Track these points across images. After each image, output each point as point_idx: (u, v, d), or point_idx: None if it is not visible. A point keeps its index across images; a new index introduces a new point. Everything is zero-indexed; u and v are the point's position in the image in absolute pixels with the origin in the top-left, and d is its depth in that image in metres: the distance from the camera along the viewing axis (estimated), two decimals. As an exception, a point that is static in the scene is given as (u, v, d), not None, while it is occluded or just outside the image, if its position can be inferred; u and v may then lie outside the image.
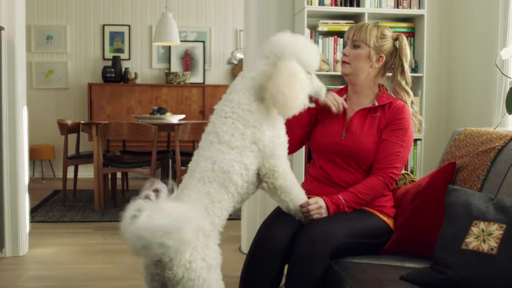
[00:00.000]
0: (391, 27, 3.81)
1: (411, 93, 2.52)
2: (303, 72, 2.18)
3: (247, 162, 2.10)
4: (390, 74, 2.57)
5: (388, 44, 2.48)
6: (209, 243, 2.01)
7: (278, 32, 2.28)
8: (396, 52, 2.50)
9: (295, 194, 2.23)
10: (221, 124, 2.13)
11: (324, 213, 2.27)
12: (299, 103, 2.14)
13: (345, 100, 2.54)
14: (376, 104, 2.46)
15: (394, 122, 2.41)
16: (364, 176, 2.40)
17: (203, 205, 2.03)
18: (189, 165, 2.18)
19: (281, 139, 2.21)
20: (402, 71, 2.50)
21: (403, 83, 2.50)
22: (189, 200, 2.04)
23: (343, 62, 2.51)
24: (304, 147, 3.66)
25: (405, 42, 2.51)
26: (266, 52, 2.22)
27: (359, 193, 2.33)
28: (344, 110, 2.50)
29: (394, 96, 2.52)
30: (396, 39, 2.51)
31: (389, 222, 2.42)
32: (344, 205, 2.30)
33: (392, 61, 2.51)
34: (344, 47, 3.75)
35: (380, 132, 2.42)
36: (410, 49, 3.84)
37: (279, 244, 2.21)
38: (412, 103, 2.51)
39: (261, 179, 2.21)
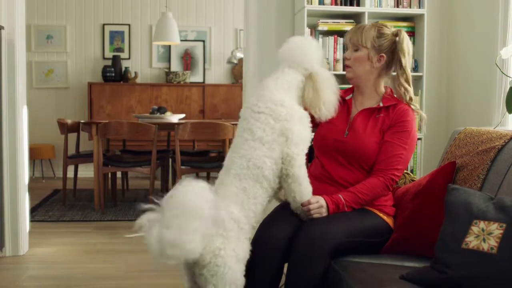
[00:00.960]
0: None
1: (410, 89, 2.46)
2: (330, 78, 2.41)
3: (275, 157, 2.20)
4: (395, 73, 2.54)
5: (387, 42, 2.46)
6: (241, 236, 2.09)
7: (288, 37, 2.51)
8: (394, 49, 2.47)
9: (304, 186, 2.27)
10: (254, 120, 2.24)
11: (324, 212, 2.27)
12: (335, 105, 2.39)
13: (350, 100, 2.54)
14: (381, 105, 2.46)
15: (398, 124, 2.40)
16: (365, 176, 2.40)
17: (239, 201, 2.13)
18: (224, 162, 2.29)
19: (307, 135, 2.32)
20: (401, 67, 2.46)
21: (402, 79, 2.45)
22: (225, 196, 2.14)
23: (346, 66, 2.53)
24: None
25: (403, 36, 2.46)
26: (291, 63, 2.39)
27: (359, 193, 2.33)
28: (349, 109, 2.51)
29: (395, 95, 2.52)
30: (396, 35, 2.48)
31: (389, 221, 2.42)
32: (344, 204, 2.30)
33: (393, 57, 2.49)
34: (344, 48, 3.78)
35: (382, 133, 2.41)
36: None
37: (278, 243, 2.21)
38: (410, 99, 2.46)
39: None
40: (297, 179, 2.25)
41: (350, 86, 2.62)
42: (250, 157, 2.18)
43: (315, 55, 2.41)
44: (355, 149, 2.39)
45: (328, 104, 2.38)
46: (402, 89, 2.46)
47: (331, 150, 2.45)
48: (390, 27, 2.51)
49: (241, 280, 2.06)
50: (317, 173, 2.49)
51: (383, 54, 2.45)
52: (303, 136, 2.28)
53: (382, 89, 2.52)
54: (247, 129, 2.24)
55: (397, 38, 2.48)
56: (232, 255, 2.03)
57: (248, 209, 2.15)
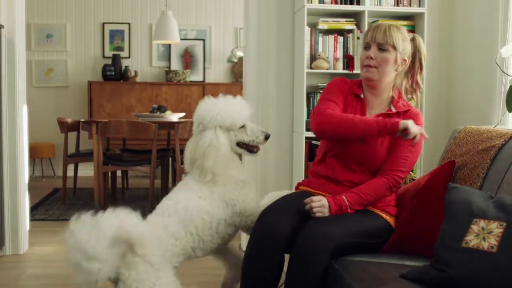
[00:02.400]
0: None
1: (422, 85, 2.58)
2: (219, 138, 2.37)
3: (210, 210, 2.27)
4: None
5: (409, 46, 2.47)
6: (160, 274, 2.08)
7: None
8: (415, 53, 2.49)
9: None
10: (191, 182, 2.39)
11: (326, 212, 2.27)
12: (219, 168, 2.34)
13: (364, 99, 2.52)
14: (394, 110, 2.46)
15: None
16: (371, 178, 2.41)
17: (156, 237, 2.14)
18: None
19: (250, 195, 2.42)
20: (421, 71, 2.53)
21: (419, 78, 2.55)
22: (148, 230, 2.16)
23: (368, 66, 2.43)
24: (304, 144, 3.66)
25: (421, 41, 2.51)
26: (197, 124, 2.50)
27: (362, 194, 2.33)
28: (362, 110, 2.49)
29: (403, 95, 2.53)
30: (412, 39, 2.49)
31: (391, 221, 2.42)
32: (347, 206, 2.30)
33: (411, 63, 2.50)
34: (345, 47, 3.78)
35: (393, 138, 2.42)
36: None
37: (280, 235, 2.20)
38: (421, 92, 2.61)
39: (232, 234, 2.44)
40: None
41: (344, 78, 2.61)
42: (181, 200, 2.29)
43: (210, 114, 2.46)
44: (369, 157, 2.40)
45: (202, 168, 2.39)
46: (418, 90, 2.55)
47: (343, 155, 2.45)
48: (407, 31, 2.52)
49: None
50: (324, 173, 2.48)
51: (406, 59, 2.46)
52: (242, 197, 2.41)
53: (392, 92, 2.52)
54: (184, 184, 2.41)
55: (414, 43, 2.50)
56: None
57: (165, 248, 2.17)
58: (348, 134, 2.34)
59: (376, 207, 2.41)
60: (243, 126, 2.45)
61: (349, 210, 2.31)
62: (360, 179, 2.41)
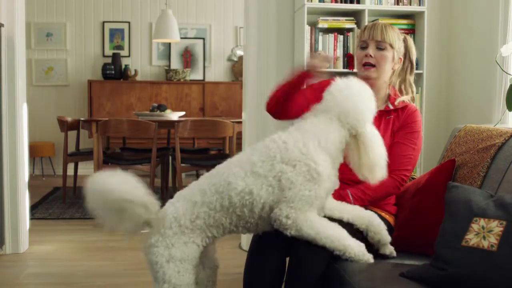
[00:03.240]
0: (391, 24, 3.82)
1: (414, 86, 2.57)
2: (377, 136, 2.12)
3: (254, 190, 2.00)
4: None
5: (402, 46, 2.51)
6: (183, 237, 2.01)
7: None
8: (407, 53, 2.53)
9: (332, 238, 2.07)
10: (263, 146, 2.07)
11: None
12: (380, 172, 2.09)
13: None
14: (391, 107, 2.47)
15: (408, 125, 2.44)
16: None
17: (193, 200, 2.03)
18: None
19: (314, 192, 2.02)
20: (411, 70, 2.55)
21: (411, 79, 2.56)
22: (187, 189, 2.09)
23: (366, 65, 2.44)
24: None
25: (411, 40, 2.55)
26: (333, 112, 2.10)
27: (368, 190, 2.34)
28: None
29: (399, 94, 2.54)
30: (403, 39, 2.54)
31: (390, 219, 2.42)
32: (351, 202, 2.30)
33: (404, 61, 2.54)
34: (345, 46, 3.78)
35: (393, 134, 2.43)
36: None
37: (280, 235, 2.20)
38: (413, 99, 2.56)
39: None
40: (315, 240, 2.06)
41: None
42: (229, 171, 2.03)
43: (369, 114, 2.13)
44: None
45: (377, 168, 2.08)
46: (410, 89, 2.56)
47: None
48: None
49: (178, 279, 2.00)
50: None
51: (401, 57, 2.50)
52: (307, 194, 2.01)
53: (388, 90, 2.53)
54: (253, 147, 2.10)
55: (407, 43, 2.53)
56: (164, 253, 1.99)
57: (196, 214, 2.02)
58: (278, 95, 2.49)
59: (376, 205, 2.41)
60: None
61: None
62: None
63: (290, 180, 1.99)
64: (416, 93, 3.79)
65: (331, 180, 2.08)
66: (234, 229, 2.09)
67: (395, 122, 2.45)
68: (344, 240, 2.08)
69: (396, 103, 2.49)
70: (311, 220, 2.04)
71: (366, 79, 2.44)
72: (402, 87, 2.56)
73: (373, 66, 2.43)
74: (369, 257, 2.12)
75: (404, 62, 2.54)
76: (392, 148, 2.41)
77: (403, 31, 3.82)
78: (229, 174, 2.02)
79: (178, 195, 2.10)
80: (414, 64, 2.55)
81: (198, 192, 2.04)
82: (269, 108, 2.56)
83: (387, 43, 2.41)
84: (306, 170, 2.00)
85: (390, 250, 2.26)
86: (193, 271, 2.05)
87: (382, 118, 2.46)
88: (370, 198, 2.35)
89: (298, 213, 2.01)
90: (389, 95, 2.52)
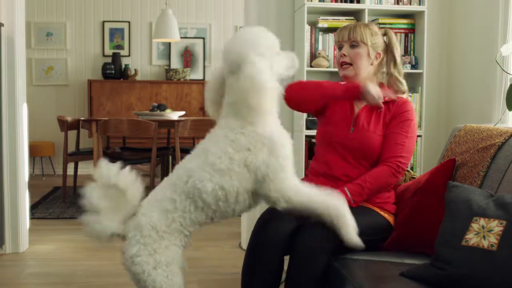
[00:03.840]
0: (391, 24, 3.82)
1: (404, 82, 2.57)
2: (263, 68, 2.04)
3: (224, 185, 2.00)
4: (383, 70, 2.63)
5: (380, 40, 2.55)
6: (163, 242, 2.01)
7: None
8: (387, 47, 2.56)
9: (317, 203, 2.08)
10: (213, 144, 2.09)
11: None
12: (267, 105, 2.05)
13: None
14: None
15: (399, 115, 2.46)
16: (368, 171, 2.42)
17: (164, 208, 2.03)
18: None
19: (279, 160, 2.03)
20: (395, 64, 2.56)
21: (396, 73, 2.55)
22: (153, 200, 2.08)
23: (344, 64, 2.52)
24: (304, 142, 3.66)
25: (393, 35, 2.58)
26: (229, 63, 2.13)
27: (364, 183, 2.35)
28: (351, 105, 2.53)
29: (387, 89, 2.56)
30: (384, 34, 2.58)
31: (390, 219, 2.42)
32: (350, 200, 2.31)
33: (385, 56, 2.57)
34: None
35: (385, 126, 2.46)
36: (410, 46, 3.86)
37: (278, 237, 2.20)
38: (403, 92, 2.56)
39: (258, 199, 2.12)
40: (307, 206, 2.07)
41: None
42: (193, 175, 2.02)
43: (244, 46, 2.11)
44: (362, 145, 2.42)
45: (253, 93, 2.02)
46: (398, 83, 2.56)
47: (336, 145, 2.47)
48: (377, 27, 2.59)
49: (168, 284, 2.00)
50: (318, 169, 2.50)
51: (380, 52, 2.54)
52: (274, 164, 2.01)
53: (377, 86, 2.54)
54: (203, 148, 2.11)
55: (387, 38, 2.57)
56: (149, 261, 1.98)
57: (172, 219, 2.02)
58: (313, 94, 2.48)
59: (375, 204, 2.41)
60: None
61: (352, 203, 2.31)
62: (358, 173, 2.41)
63: (254, 161, 2.01)
64: (416, 92, 3.80)
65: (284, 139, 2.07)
66: (209, 221, 2.11)
67: (386, 114, 2.47)
68: (341, 208, 2.10)
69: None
70: (295, 185, 2.05)
71: (345, 78, 2.53)
72: (391, 82, 2.57)
73: (350, 64, 2.51)
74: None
75: (386, 56, 2.57)
76: (385, 138, 2.44)
77: (403, 31, 3.85)
78: (194, 180, 2.01)
79: (146, 205, 2.08)
80: (398, 57, 2.56)
81: (167, 201, 2.04)
82: (295, 97, 2.50)
83: (358, 41, 2.48)
84: (259, 146, 2.02)
85: (355, 242, 2.15)
86: (180, 273, 2.05)
87: (373, 112, 2.49)
88: (369, 191, 2.36)
89: (279, 183, 2.01)
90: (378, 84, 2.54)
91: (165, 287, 1.99)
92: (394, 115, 2.46)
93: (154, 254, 2.00)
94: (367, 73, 2.52)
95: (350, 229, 2.08)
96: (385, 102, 2.48)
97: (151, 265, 1.99)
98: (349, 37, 2.49)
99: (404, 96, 2.56)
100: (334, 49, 3.78)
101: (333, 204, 2.08)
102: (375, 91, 2.37)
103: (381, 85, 2.55)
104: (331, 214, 2.08)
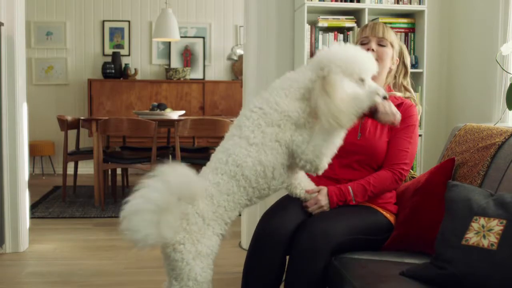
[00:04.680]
0: (391, 23, 3.82)
1: (412, 91, 2.58)
2: (349, 85, 2.02)
3: (263, 159, 2.04)
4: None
5: (398, 46, 2.54)
6: (207, 231, 2.03)
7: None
8: (401, 57, 2.55)
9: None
10: (245, 118, 2.10)
11: (326, 208, 2.31)
12: (345, 119, 1.98)
13: None
14: None
15: (404, 120, 2.42)
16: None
17: (209, 194, 2.04)
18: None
19: (303, 136, 2.07)
20: (405, 74, 2.56)
21: (405, 83, 2.56)
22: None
23: None
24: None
25: (404, 46, 2.59)
26: (314, 64, 2.11)
27: (368, 185, 2.35)
28: None
29: (397, 92, 2.55)
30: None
31: (391, 218, 2.42)
32: (351, 199, 2.32)
33: (399, 61, 2.57)
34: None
35: (390, 129, 2.45)
36: (410, 45, 3.86)
37: (281, 235, 2.21)
38: (410, 94, 2.57)
39: (291, 174, 2.19)
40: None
41: None
42: (231, 153, 2.06)
43: (338, 57, 2.06)
44: (368, 152, 2.42)
45: (341, 114, 1.96)
46: (403, 88, 2.57)
47: (343, 152, 2.37)
48: None
49: (202, 276, 2.01)
50: (325, 172, 2.46)
51: (398, 58, 2.53)
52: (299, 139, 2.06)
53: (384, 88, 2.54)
54: (236, 125, 2.13)
55: (401, 47, 2.56)
56: (191, 250, 1.98)
57: (217, 204, 2.05)
58: None
59: (377, 204, 2.41)
60: (362, 80, 2.10)
61: (353, 202, 2.32)
62: (361, 177, 2.41)
63: (284, 137, 2.06)
64: (416, 92, 3.79)
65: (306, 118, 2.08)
66: (248, 203, 2.14)
67: None
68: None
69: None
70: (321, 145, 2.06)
71: None
72: (401, 86, 2.58)
73: (376, 60, 2.40)
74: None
75: (398, 65, 2.57)
76: (390, 143, 2.43)
77: (403, 30, 3.86)
78: (234, 158, 2.05)
79: None
80: (409, 68, 2.56)
81: (211, 187, 2.05)
82: None
83: (388, 41, 2.45)
84: (289, 124, 2.06)
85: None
86: (212, 266, 2.06)
87: None
88: (371, 194, 2.36)
89: (303, 152, 2.06)
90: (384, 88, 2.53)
91: (199, 279, 2.00)
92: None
93: (197, 244, 2.00)
94: (385, 76, 2.51)
95: None
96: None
97: (191, 255, 1.99)
98: (381, 35, 2.44)
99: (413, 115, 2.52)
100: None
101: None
102: (390, 109, 2.17)
103: (387, 86, 2.55)
104: None
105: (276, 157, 2.07)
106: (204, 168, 2.13)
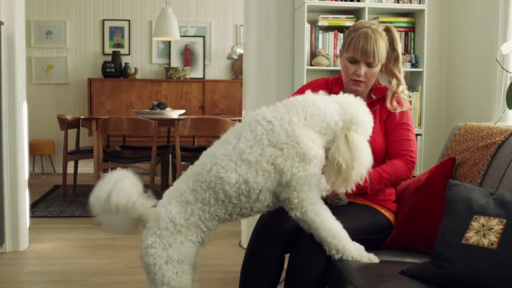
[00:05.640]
0: (391, 22, 3.82)
1: (403, 80, 2.45)
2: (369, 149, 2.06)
3: (250, 179, 1.94)
4: None
5: (387, 45, 2.43)
6: (179, 237, 1.98)
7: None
8: (392, 45, 2.43)
9: (334, 234, 2.05)
10: (249, 129, 1.99)
11: (344, 199, 2.34)
12: (357, 178, 2.02)
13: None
14: (374, 97, 2.46)
15: (400, 126, 2.43)
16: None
17: (184, 200, 1.99)
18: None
19: (307, 172, 1.97)
20: (396, 60, 2.43)
21: (396, 71, 2.43)
22: (175, 190, 2.04)
23: (357, 82, 2.39)
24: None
25: (395, 32, 2.44)
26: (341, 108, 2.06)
27: (384, 173, 2.33)
28: None
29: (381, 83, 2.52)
30: (386, 30, 2.43)
31: (391, 217, 2.42)
32: (367, 187, 2.30)
33: (390, 54, 2.45)
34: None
35: (382, 123, 2.42)
36: (410, 44, 3.86)
37: (279, 234, 2.20)
38: (402, 91, 2.44)
39: (277, 202, 2.07)
40: (318, 227, 2.03)
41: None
42: (218, 162, 1.96)
43: (367, 125, 2.12)
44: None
45: (354, 177, 2.01)
46: (396, 80, 2.44)
47: None
48: (382, 27, 2.44)
49: (177, 281, 1.98)
50: None
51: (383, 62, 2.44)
52: (300, 175, 1.96)
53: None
54: (236, 132, 2.01)
55: (389, 34, 2.42)
56: (163, 255, 1.96)
57: (191, 212, 1.98)
58: None
59: (377, 202, 2.40)
60: None
61: (369, 190, 2.31)
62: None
63: (282, 164, 1.95)
64: (416, 91, 3.80)
65: (319, 159, 2.01)
66: (228, 217, 2.05)
67: (382, 111, 2.44)
68: (345, 241, 2.07)
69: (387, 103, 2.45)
70: (318, 208, 2.02)
71: (356, 93, 2.36)
72: (389, 78, 2.48)
73: (363, 82, 2.40)
74: (369, 257, 2.11)
75: (390, 53, 2.44)
76: (392, 134, 2.42)
77: (403, 29, 3.85)
78: (218, 169, 1.95)
79: (168, 196, 2.05)
80: (400, 55, 2.44)
81: (188, 192, 1.99)
82: None
83: (375, 61, 2.36)
84: (294, 153, 1.95)
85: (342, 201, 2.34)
86: (190, 271, 2.03)
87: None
88: (387, 182, 2.35)
89: (304, 193, 1.98)
90: (371, 88, 2.49)
91: (173, 284, 1.97)
92: (390, 111, 2.43)
93: (168, 249, 1.97)
94: (368, 91, 2.49)
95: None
96: (378, 99, 2.45)
97: (163, 260, 1.97)
98: (371, 59, 2.35)
99: (404, 105, 2.46)
100: (335, 47, 3.80)
101: (348, 246, 2.07)
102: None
103: (379, 89, 2.49)
104: (343, 256, 2.07)
105: (266, 180, 1.96)
106: (190, 167, 2.08)
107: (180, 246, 1.98)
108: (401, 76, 2.45)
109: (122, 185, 2.00)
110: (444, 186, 2.18)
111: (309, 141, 1.97)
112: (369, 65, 2.37)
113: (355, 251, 2.08)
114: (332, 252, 2.07)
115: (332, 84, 2.56)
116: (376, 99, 2.45)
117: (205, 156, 2.04)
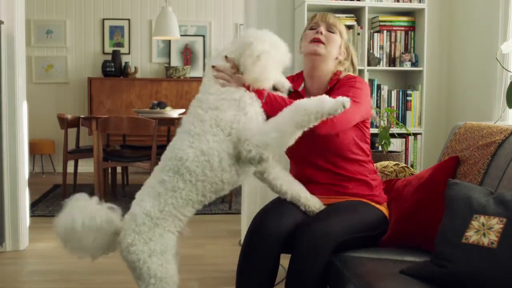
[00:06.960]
0: (391, 21, 3.83)
1: (347, 63, 2.48)
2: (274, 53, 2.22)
3: (204, 148, 2.02)
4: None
5: (347, 38, 2.49)
6: (157, 230, 2.05)
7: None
8: (349, 55, 2.48)
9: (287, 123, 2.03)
10: (185, 116, 2.15)
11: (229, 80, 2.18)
12: (269, 78, 2.17)
13: (303, 91, 2.47)
14: (328, 87, 2.40)
15: (345, 84, 2.33)
16: (347, 167, 2.35)
17: (155, 193, 2.07)
18: None
19: (249, 114, 2.07)
20: (354, 72, 2.48)
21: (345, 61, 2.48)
22: (145, 187, 2.13)
23: (317, 41, 2.38)
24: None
25: (352, 46, 2.52)
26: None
27: (282, 100, 2.20)
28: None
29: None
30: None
31: (384, 210, 2.40)
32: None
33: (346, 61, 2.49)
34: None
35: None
36: (410, 44, 3.86)
37: (276, 235, 2.20)
38: (346, 69, 2.47)
39: (244, 164, 2.10)
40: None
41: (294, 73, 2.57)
42: (175, 148, 2.07)
43: (266, 38, 2.33)
44: (327, 144, 2.32)
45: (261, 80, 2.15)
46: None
47: (306, 153, 2.36)
48: None
49: (163, 272, 2.04)
50: (297, 178, 2.39)
51: (345, 51, 2.45)
52: (244, 119, 2.05)
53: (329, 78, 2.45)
54: (180, 123, 2.16)
55: (348, 47, 2.49)
56: (144, 249, 2.03)
57: (164, 202, 2.05)
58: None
59: (365, 197, 2.37)
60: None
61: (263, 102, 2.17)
62: (337, 171, 2.36)
63: (225, 120, 2.04)
64: (416, 90, 3.80)
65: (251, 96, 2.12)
66: (202, 199, 2.11)
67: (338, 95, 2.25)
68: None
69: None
70: (259, 128, 2.06)
71: (314, 54, 2.38)
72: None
73: (323, 43, 2.39)
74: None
75: (346, 60, 2.47)
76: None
77: (403, 29, 3.86)
78: (176, 152, 2.05)
79: (139, 195, 2.14)
80: (356, 68, 2.49)
81: (157, 184, 2.08)
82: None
83: (337, 29, 2.41)
84: (227, 103, 2.07)
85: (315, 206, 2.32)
86: (174, 261, 2.09)
87: None
88: (278, 105, 2.15)
89: (250, 133, 2.03)
90: (330, 78, 2.43)
91: (160, 275, 2.03)
92: (340, 86, 2.33)
93: (149, 243, 2.04)
94: (330, 65, 2.41)
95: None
96: (333, 85, 2.38)
97: (146, 254, 2.03)
98: (331, 21, 2.40)
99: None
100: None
101: (304, 105, 2.04)
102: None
103: (333, 80, 2.42)
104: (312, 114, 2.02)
105: (219, 144, 2.03)
106: (156, 167, 2.16)
107: (160, 238, 2.05)
108: (348, 63, 2.48)
109: (83, 205, 2.18)
110: (445, 184, 2.18)
111: (229, 89, 2.10)
112: (329, 29, 2.40)
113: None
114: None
115: (294, 79, 2.53)
116: (331, 87, 2.38)
117: (166, 151, 2.14)
